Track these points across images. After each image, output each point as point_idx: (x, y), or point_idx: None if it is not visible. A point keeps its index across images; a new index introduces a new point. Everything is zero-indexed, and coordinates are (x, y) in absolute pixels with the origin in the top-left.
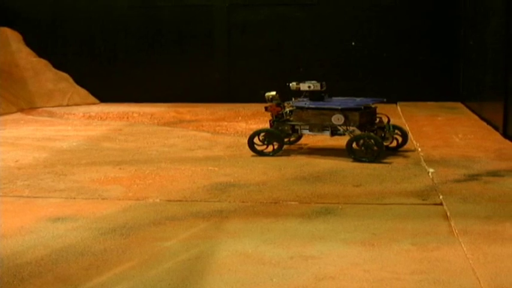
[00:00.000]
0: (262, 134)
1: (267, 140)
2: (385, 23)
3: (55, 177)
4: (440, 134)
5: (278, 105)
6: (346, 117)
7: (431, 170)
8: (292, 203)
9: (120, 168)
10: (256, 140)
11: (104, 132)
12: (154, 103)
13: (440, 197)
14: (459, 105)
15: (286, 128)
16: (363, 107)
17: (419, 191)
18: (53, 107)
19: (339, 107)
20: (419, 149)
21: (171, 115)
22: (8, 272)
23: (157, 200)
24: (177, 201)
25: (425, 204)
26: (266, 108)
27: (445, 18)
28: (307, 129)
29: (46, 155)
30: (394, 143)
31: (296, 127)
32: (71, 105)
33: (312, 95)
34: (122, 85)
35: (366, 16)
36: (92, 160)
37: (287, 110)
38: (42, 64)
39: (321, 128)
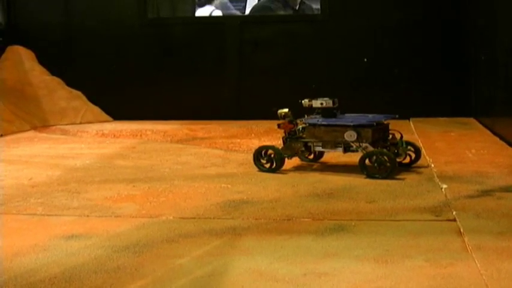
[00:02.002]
0: (269, 150)
1: (270, 157)
2: (396, 39)
3: (68, 195)
4: (453, 149)
5: (290, 122)
6: (358, 134)
7: (444, 186)
8: (306, 220)
9: (133, 186)
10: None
11: (117, 150)
12: (167, 120)
13: (454, 213)
14: (471, 120)
15: (299, 145)
16: (375, 124)
17: (432, 207)
18: (66, 124)
19: (351, 124)
20: (432, 165)
21: (184, 132)
22: None
23: (171, 218)
24: (190, 218)
25: (439, 220)
26: (279, 126)
27: (456, 33)
28: (320, 146)
29: (59, 173)
30: (408, 159)
31: (309, 144)
32: (84, 123)
33: (324, 112)
34: (135, 102)
35: (376, 32)
36: (105, 178)
37: (300, 127)
38: (55, 82)
39: (334, 145)
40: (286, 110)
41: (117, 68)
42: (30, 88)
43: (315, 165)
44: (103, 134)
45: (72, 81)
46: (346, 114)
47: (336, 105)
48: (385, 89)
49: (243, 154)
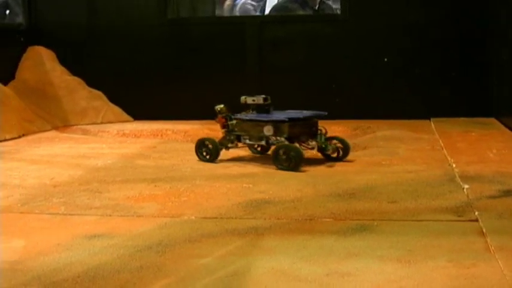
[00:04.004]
0: (207, 142)
1: (208, 148)
2: (417, 39)
3: (90, 194)
4: (474, 149)
5: (224, 117)
6: (276, 129)
7: (466, 186)
8: (327, 219)
9: (155, 186)
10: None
11: (138, 150)
12: (187, 120)
13: (476, 213)
14: (493, 120)
15: (232, 137)
16: (287, 119)
17: (454, 207)
18: (87, 124)
19: (269, 119)
20: (454, 165)
21: (205, 132)
22: None
23: (193, 217)
24: (212, 218)
25: (461, 220)
26: (215, 120)
27: (478, 33)
28: (247, 139)
29: (81, 172)
30: (335, 154)
31: (240, 137)
32: (104, 123)
33: (258, 108)
34: (155, 102)
35: (397, 32)
36: (126, 177)
37: (234, 121)
38: (76, 82)
39: (258, 138)
40: (222, 105)
41: (137, 68)
42: (51, 88)
43: (336, 165)
44: (124, 134)
45: (92, 82)
46: (288, 111)
47: (268, 102)
48: (406, 88)
49: (264, 153)
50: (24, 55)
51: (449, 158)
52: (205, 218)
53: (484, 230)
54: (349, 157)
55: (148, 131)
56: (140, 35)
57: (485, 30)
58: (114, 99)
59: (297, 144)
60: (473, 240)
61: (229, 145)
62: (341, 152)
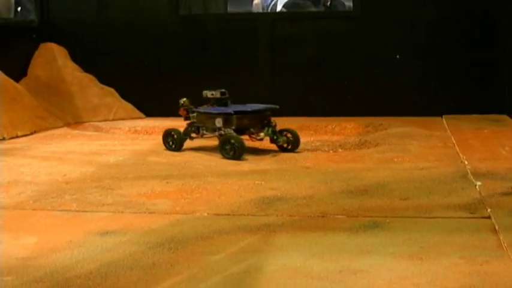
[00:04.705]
0: (173, 132)
1: (174, 138)
2: (429, 35)
3: (102, 191)
4: (487, 146)
5: (185, 109)
6: (226, 121)
7: (478, 183)
8: (340, 216)
9: (167, 183)
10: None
11: (150, 147)
12: None
13: (488, 210)
14: (505, 117)
15: (193, 129)
16: (234, 112)
17: (466, 204)
18: (99, 121)
19: (219, 112)
20: (466, 162)
21: None
22: (57, 286)
23: (205, 214)
24: (224, 215)
25: (473, 217)
26: (179, 113)
27: (490, 29)
28: (205, 130)
29: (93, 169)
30: (290, 146)
31: (199, 128)
32: (116, 120)
33: (217, 101)
34: (167, 99)
35: (409, 28)
36: (138, 174)
37: (194, 114)
38: (88, 79)
39: (212, 130)
40: (185, 99)
41: (149, 65)
42: (63, 85)
43: (348, 162)
44: (136, 131)
45: (104, 78)
46: (249, 104)
47: (225, 96)
48: (418, 85)
49: (276, 151)
50: (36, 52)
51: (461, 155)
52: (217, 214)
53: (496, 227)
54: (361, 154)
55: (160, 127)
56: (152, 32)
57: (497, 27)
58: (126, 96)
59: (246, 136)
60: (485, 237)
61: (193, 135)
62: (290, 144)
